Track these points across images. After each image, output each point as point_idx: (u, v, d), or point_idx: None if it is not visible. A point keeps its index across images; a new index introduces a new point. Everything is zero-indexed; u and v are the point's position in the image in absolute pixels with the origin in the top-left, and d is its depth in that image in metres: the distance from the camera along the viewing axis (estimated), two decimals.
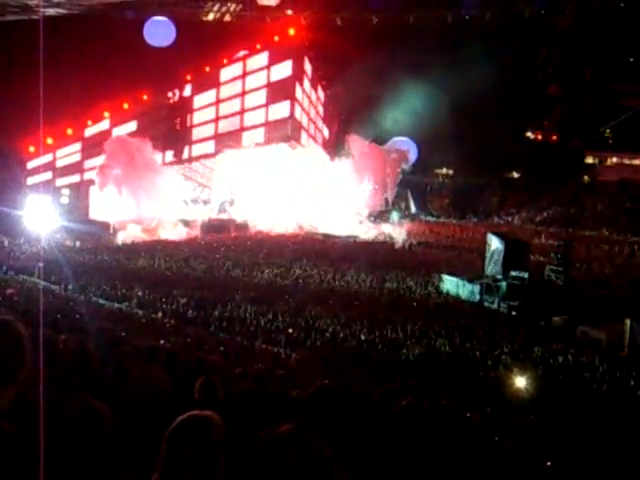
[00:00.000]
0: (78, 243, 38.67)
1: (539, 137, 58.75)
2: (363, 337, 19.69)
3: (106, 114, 50.70)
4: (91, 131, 51.55)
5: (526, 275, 26.97)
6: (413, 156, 56.12)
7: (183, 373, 6.34)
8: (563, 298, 25.36)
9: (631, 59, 54.79)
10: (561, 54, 55.64)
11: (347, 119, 59.85)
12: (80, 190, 49.06)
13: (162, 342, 13.79)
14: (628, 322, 19.94)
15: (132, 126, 50.94)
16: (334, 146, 57.55)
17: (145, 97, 50.67)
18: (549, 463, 7.99)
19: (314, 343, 19.16)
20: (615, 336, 20.12)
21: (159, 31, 41.28)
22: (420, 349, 18.57)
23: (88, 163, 51.43)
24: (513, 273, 27.01)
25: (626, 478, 9.05)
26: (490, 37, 51.27)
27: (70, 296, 22.86)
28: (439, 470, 4.83)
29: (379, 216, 52.29)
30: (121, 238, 41.12)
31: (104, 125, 51.54)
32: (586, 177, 56.12)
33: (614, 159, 57.75)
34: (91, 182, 49.73)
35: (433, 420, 7.57)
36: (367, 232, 46.83)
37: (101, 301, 23.41)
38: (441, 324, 21.61)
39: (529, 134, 58.53)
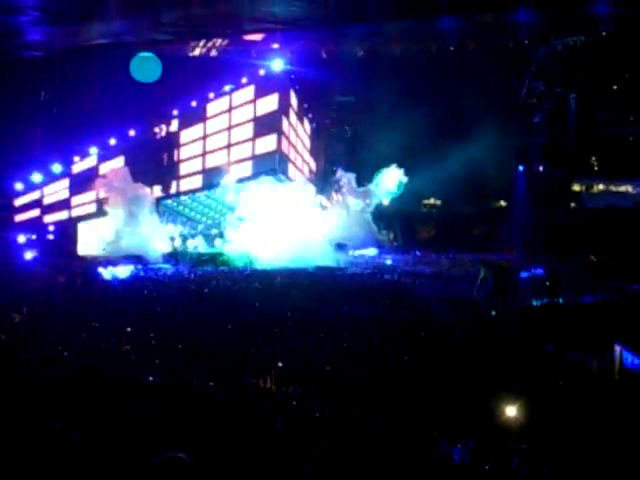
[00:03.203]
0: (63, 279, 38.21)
1: (525, 166, 58.92)
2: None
3: (93, 150, 50.75)
4: (78, 168, 51.57)
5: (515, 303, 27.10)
6: (399, 187, 56.40)
7: None
8: (553, 325, 25.35)
9: (614, 87, 55.21)
10: (545, 83, 56.03)
11: (333, 152, 60.14)
12: (68, 226, 48.99)
13: None
14: (618, 348, 19.94)
15: (119, 162, 51.00)
16: (321, 179, 57.82)
17: (132, 133, 50.73)
18: None
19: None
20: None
21: (145, 67, 41.29)
22: (415, 377, 18.49)
23: (76, 200, 51.47)
24: (501, 300, 27.15)
25: None
26: (475, 68, 51.56)
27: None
28: None
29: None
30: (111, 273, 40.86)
31: (91, 161, 51.58)
32: (573, 204, 56.40)
33: (600, 186, 58.06)
34: (79, 218, 49.85)
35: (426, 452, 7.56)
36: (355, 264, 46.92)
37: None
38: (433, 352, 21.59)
39: (518, 165, 58.65)
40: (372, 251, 52.57)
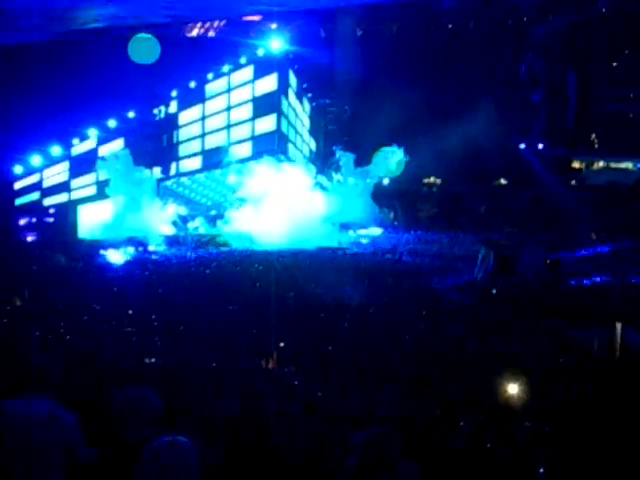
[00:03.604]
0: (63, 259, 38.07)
1: (526, 144, 58.88)
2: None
3: (92, 132, 50.57)
4: (78, 150, 51.41)
5: (514, 282, 27.13)
6: (399, 166, 56.35)
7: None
8: (553, 303, 25.37)
9: (614, 64, 55.08)
10: (544, 61, 55.92)
11: (333, 132, 60.07)
12: (68, 209, 48.91)
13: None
14: (619, 326, 19.92)
15: (119, 144, 50.87)
16: (321, 159, 57.81)
17: (131, 114, 50.60)
18: (542, 470, 7.99)
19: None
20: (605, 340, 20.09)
21: (143, 48, 41.15)
22: (414, 356, 18.50)
23: (75, 182, 51.37)
24: (501, 280, 27.18)
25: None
26: (474, 46, 51.48)
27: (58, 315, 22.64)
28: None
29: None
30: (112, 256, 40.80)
31: (90, 143, 51.42)
32: (573, 182, 56.40)
33: (601, 163, 58.06)
34: (79, 201, 49.77)
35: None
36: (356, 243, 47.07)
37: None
38: (434, 331, 21.63)
39: (518, 143, 58.62)
40: (373, 231, 52.60)
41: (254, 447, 5.61)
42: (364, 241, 48.55)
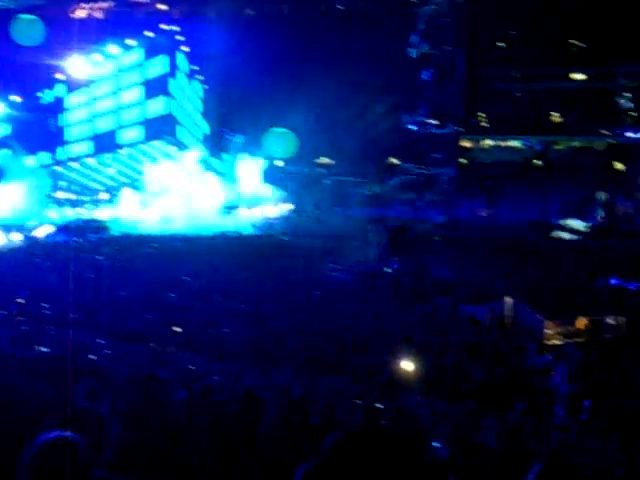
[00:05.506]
0: None
1: (415, 123, 59.51)
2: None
3: None
4: None
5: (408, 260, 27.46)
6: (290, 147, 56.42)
7: None
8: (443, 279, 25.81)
9: (502, 43, 56.02)
10: (432, 41, 56.53)
11: (225, 114, 59.66)
12: None
13: None
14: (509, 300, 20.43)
15: (7, 129, 49.71)
16: (213, 142, 57.40)
17: (16, 98, 49.33)
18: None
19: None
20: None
21: (28, 30, 40.13)
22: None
23: None
24: (396, 259, 27.46)
25: None
26: (363, 27, 51.71)
27: None
28: None
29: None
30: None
31: None
32: (463, 160, 57.26)
33: (490, 142, 58.99)
34: None
35: None
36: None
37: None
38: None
39: (407, 123, 59.15)
40: (266, 212, 52.60)
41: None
42: (257, 223, 48.48)
